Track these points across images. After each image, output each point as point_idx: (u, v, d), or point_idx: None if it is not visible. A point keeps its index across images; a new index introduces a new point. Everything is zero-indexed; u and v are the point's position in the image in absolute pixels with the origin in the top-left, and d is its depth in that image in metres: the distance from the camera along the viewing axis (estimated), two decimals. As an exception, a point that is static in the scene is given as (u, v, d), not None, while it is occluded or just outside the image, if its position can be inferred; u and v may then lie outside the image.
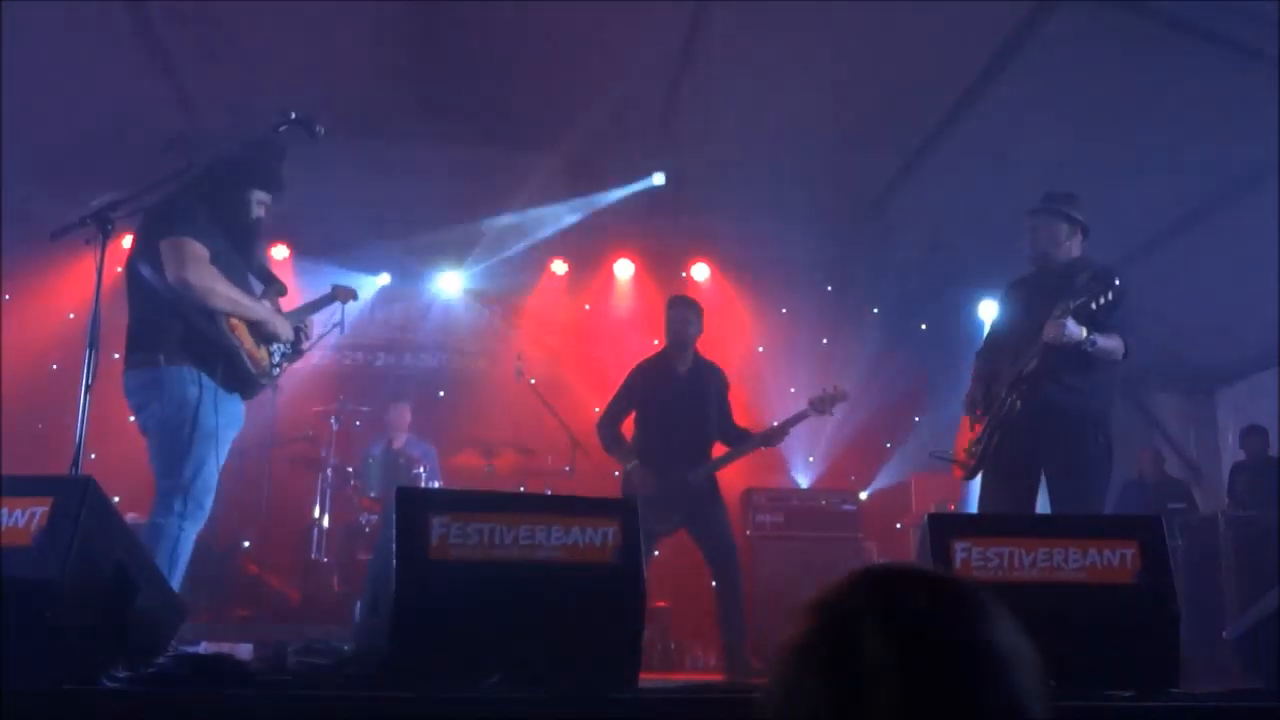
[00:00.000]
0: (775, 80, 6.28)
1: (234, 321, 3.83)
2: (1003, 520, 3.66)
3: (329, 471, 6.70)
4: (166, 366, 3.73)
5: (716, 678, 5.25)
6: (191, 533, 3.76)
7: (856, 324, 8.47)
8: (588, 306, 8.53)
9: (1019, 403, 4.35)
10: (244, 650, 3.77)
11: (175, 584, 3.60)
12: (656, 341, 7.54)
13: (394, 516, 2.72)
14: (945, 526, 3.05)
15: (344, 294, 4.75)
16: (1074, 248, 4.57)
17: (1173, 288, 6.94)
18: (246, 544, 6.84)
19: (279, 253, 7.70)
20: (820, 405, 5.48)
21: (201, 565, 4.48)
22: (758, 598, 6.38)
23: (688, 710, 2.50)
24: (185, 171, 4.06)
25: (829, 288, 8.59)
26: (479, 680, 2.50)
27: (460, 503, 2.87)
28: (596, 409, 6.31)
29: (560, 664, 2.64)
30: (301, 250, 7.73)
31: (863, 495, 7.38)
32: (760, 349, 8.36)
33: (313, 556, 6.51)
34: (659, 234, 8.17)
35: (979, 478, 4.60)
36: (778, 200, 7.53)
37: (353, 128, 6.22)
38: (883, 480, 8.04)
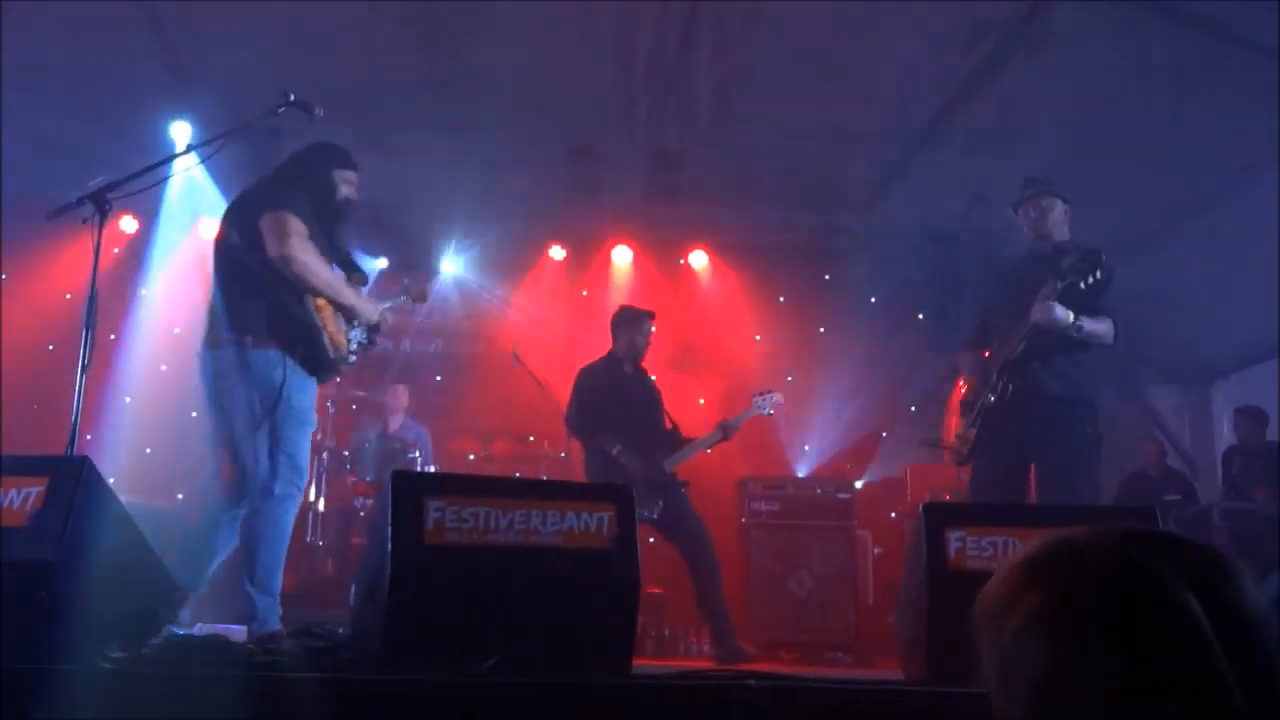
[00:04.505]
0: (775, 68, 6.27)
1: (320, 302, 3.80)
2: (997, 510, 3.66)
3: (324, 455, 6.69)
4: (253, 349, 3.68)
5: (709, 664, 5.25)
6: (293, 514, 3.76)
7: (854, 313, 8.46)
8: (585, 293, 8.51)
9: (1010, 386, 4.36)
10: (238, 633, 3.77)
11: (279, 568, 3.66)
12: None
13: (389, 500, 2.72)
14: (940, 516, 3.05)
15: (417, 294, 4.74)
16: (1067, 229, 4.62)
17: (1170, 280, 6.94)
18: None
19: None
20: (762, 405, 5.86)
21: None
22: (752, 585, 6.41)
23: (680, 696, 2.51)
24: (183, 154, 4.07)
25: (826, 276, 8.58)
26: (473, 664, 2.51)
27: (456, 487, 2.86)
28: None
29: (555, 649, 2.65)
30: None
31: (858, 484, 7.39)
32: (757, 337, 8.35)
33: (308, 540, 6.51)
34: (658, 221, 8.14)
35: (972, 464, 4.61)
36: (777, 188, 7.51)
37: (351, 110, 6.19)
38: (878, 470, 8.04)
